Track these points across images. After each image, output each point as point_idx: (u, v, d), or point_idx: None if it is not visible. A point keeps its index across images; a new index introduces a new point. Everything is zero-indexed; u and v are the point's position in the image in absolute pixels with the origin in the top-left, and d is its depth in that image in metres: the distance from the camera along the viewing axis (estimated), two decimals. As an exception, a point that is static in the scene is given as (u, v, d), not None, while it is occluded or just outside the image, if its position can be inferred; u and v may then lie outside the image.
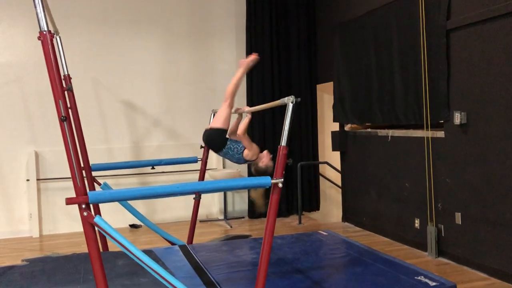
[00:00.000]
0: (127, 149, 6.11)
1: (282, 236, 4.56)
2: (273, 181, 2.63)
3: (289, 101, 2.68)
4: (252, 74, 6.38)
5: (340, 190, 6.26)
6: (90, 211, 2.28)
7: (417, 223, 4.69)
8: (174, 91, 6.32)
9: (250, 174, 6.37)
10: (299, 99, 2.69)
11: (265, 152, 3.52)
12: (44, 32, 2.27)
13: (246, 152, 3.47)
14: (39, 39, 2.30)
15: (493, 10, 3.69)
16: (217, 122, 3.51)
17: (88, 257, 2.35)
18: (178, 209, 6.20)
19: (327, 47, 6.27)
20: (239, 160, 3.54)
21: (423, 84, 4.39)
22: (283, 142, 2.69)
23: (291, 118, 2.69)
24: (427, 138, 4.44)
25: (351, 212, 5.92)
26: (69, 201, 2.21)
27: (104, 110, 6.04)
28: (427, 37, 4.34)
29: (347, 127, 5.89)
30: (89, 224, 2.27)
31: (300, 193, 6.03)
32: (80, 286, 3.24)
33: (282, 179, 2.65)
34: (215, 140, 3.51)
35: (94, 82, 5.99)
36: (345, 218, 6.05)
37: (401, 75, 4.74)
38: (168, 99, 6.32)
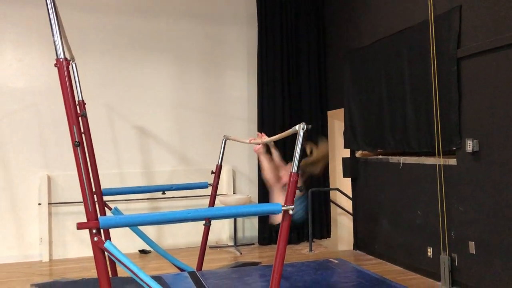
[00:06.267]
0: (138, 174, 6.14)
1: (292, 263, 4.50)
2: (284, 207, 2.62)
3: (300, 128, 2.70)
4: (263, 101, 6.44)
5: (351, 217, 6.19)
6: (101, 236, 2.28)
7: (430, 252, 4.60)
8: (186, 117, 6.39)
9: (260, 199, 6.38)
10: (310, 126, 2.70)
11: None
12: (61, 59, 2.33)
13: None
14: (55, 66, 2.36)
15: (503, 39, 3.70)
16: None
17: (97, 283, 2.34)
18: (188, 234, 6.17)
19: (338, 74, 6.31)
20: None
21: (434, 111, 4.38)
22: (294, 168, 2.69)
23: (302, 145, 2.69)
24: (439, 165, 4.40)
25: (363, 240, 5.84)
26: (80, 226, 2.22)
27: (117, 135, 6.11)
28: (438, 65, 4.35)
29: (358, 154, 5.87)
30: (99, 249, 2.27)
31: (310, 220, 5.98)
32: (88, 312, 3.22)
33: (293, 206, 2.63)
34: None
35: (107, 108, 6.08)
36: (356, 246, 5.96)
37: (412, 102, 4.74)
38: (180, 125, 6.37)
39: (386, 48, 5.16)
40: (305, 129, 2.69)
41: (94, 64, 6.01)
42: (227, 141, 4.94)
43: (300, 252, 5.89)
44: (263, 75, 6.45)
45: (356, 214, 5.98)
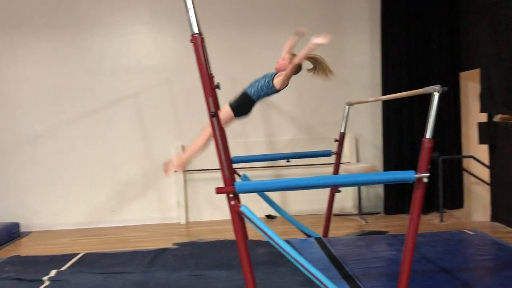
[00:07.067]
0: (261, 143, 6.35)
1: (423, 233, 4.34)
2: (417, 175, 2.51)
3: (435, 91, 2.53)
4: (387, 65, 6.15)
5: (487, 186, 5.71)
6: (237, 200, 2.42)
7: None
8: (307, 86, 6.35)
9: (386, 168, 6.18)
10: (446, 88, 2.52)
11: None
12: (196, 35, 2.46)
13: (276, 80, 3.61)
14: (191, 42, 2.49)
15: None
16: None
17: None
18: (310, 202, 6.24)
19: (473, 31, 5.74)
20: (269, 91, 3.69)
21: None
22: (428, 134, 2.56)
23: (436, 109, 2.54)
24: None
25: (502, 211, 5.37)
26: (218, 191, 2.37)
27: (241, 106, 6.35)
28: None
29: (497, 118, 5.34)
30: (236, 213, 2.41)
31: (441, 189, 5.64)
32: (225, 271, 3.47)
33: (427, 174, 2.51)
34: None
35: (232, 81, 6.31)
36: (494, 217, 5.50)
37: None
38: (301, 94, 6.39)
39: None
40: (440, 92, 2.52)
41: (218, 37, 6.22)
42: (350, 108, 4.84)
43: (430, 223, 5.63)
44: (387, 37, 6.13)
45: (495, 184, 5.49)
